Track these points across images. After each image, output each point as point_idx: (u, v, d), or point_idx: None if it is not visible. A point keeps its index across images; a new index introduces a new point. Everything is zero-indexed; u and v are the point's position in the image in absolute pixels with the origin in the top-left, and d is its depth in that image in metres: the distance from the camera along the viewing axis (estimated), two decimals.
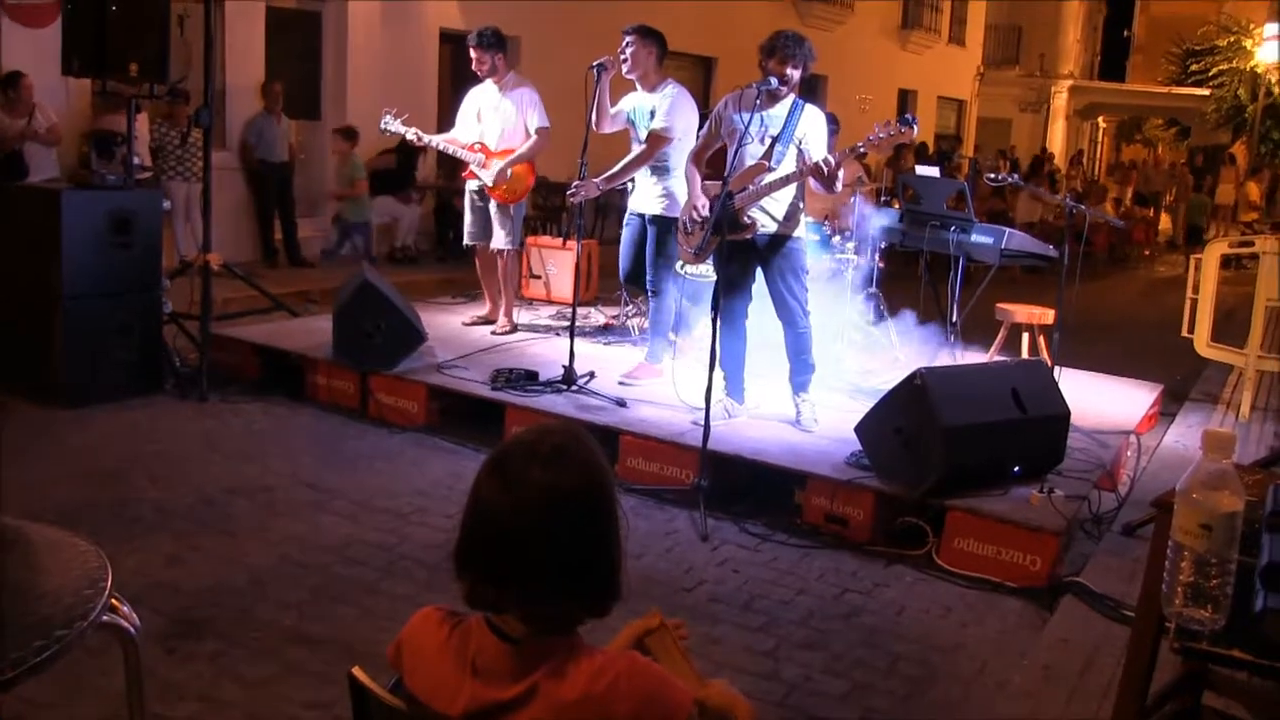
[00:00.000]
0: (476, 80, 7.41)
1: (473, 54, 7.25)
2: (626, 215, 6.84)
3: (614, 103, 6.64)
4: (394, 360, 6.34)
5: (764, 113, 5.53)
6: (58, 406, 6.01)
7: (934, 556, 4.67)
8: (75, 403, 6.06)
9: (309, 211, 12.10)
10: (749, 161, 5.56)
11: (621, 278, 7.03)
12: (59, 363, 6.08)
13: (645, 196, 6.55)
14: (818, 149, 5.49)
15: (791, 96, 5.55)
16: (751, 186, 5.51)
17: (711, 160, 6.04)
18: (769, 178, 5.49)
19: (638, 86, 6.47)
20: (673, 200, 6.37)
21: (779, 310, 5.72)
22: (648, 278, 6.58)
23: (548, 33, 13.71)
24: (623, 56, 6.30)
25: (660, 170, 6.41)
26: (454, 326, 7.72)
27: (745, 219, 5.52)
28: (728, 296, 5.60)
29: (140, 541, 4.40)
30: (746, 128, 5.46)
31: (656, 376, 6.46)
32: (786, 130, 5.50)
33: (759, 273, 5.73)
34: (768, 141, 5.53)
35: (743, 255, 5.64)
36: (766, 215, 5.57)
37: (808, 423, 5.71)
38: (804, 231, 5.81)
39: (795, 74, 5.46)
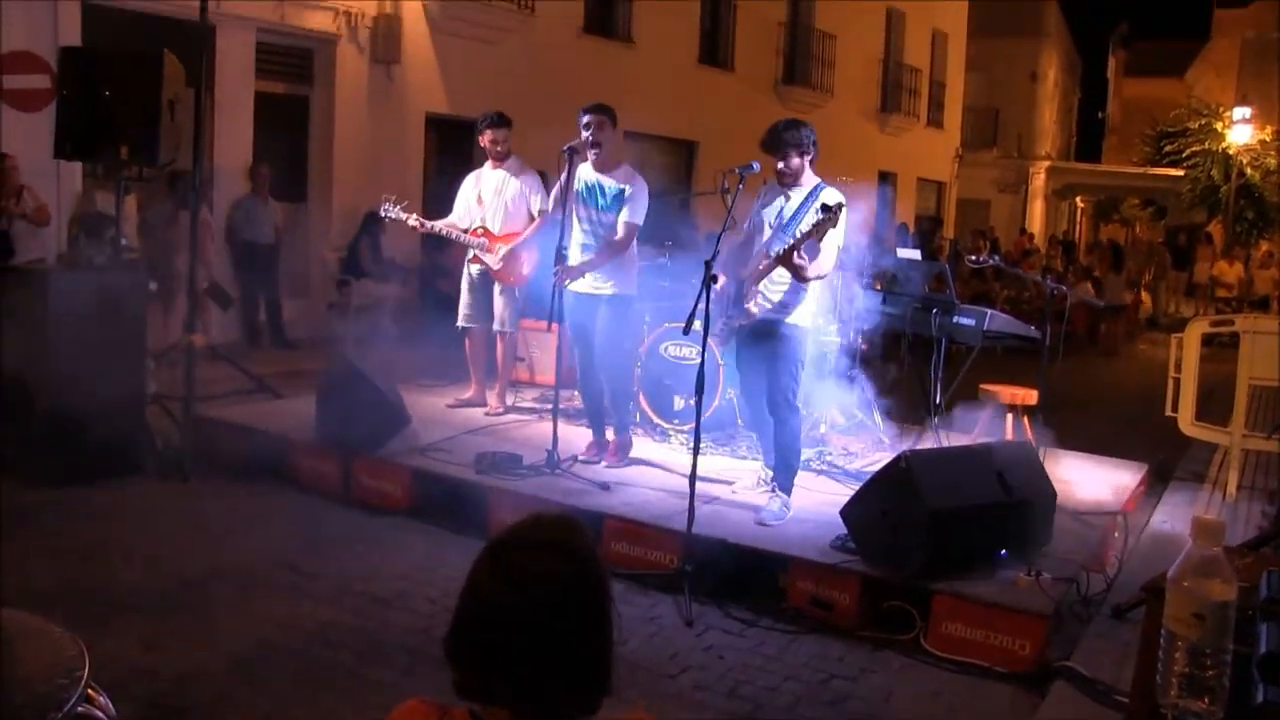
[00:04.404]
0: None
1: (490, 135, 7.33)
2: (567, 308, 6.23)
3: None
4: (378, 443, 6.29)
5: (784, 202, 5.57)
6: (39, 486, 5.94)
7: (921, 641, 4.61)
8: (56, 483, 6.00)
9: (294, 293, 12.11)
10: (758, 250, 5.60)
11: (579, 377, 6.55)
12: (40, 442, 6.04)
13: (596, 279, 6.23)
14: (828, 238, 5.29)
15: (812, 183, 5.54)
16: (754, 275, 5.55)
17: None
18: (763, 264, 5.47)
19: (591, 163, 6.19)
20: (626, 280, 6.26)
21: (766, 398, 5.63)
22: (598, 359, 6.30)
23: (528, 116, 13.81)
24: (590, 138, 6.06)
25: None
26: (438, 408, 7.68)
27: (745, 304, 5.55)
28: (742, 379, 5.88)
29: (117, 625, 4.34)
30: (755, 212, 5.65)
31: (628, 453, 6.47)
32: (794, 220, 5.47)
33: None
34: (776, 229, 5.53)
35: (749, 339, 5.67)
36: (766, 300, 5.54)
37: (768, 518, 5.44)
38: (806, 321, 5.62)
39: (798, 161, 5.50)
